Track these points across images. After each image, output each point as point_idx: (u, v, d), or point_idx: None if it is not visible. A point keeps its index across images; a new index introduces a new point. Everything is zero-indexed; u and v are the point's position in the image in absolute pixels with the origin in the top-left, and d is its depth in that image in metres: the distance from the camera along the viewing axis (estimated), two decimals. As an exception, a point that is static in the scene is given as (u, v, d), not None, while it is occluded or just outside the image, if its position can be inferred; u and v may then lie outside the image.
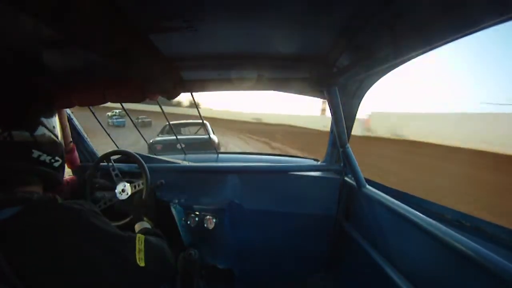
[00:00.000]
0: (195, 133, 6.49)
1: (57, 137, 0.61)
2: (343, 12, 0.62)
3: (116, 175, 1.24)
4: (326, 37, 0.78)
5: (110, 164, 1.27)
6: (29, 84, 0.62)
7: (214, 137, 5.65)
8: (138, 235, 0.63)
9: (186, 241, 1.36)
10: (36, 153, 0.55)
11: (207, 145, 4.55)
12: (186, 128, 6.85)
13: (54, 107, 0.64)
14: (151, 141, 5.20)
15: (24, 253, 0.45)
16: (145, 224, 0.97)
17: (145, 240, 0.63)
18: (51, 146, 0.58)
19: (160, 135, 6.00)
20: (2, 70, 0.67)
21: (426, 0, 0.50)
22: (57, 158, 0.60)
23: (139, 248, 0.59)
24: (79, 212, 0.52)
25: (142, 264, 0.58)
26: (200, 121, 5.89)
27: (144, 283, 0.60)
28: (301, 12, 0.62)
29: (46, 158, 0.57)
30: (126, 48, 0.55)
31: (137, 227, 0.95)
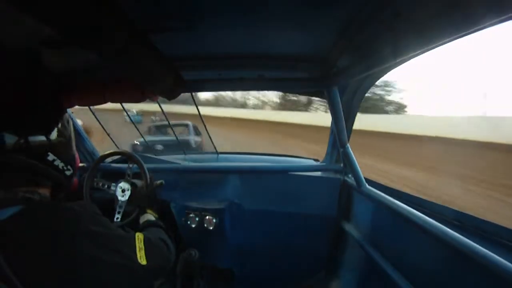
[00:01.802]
0: (179, 134, 6.74)
1: (72, 147, 0.61)
2: (343, 12, 0.62)
3: (128, 174, 1.24)
4: (326, 37, 0.78)
5: (129, 164, 1.26)
6: (37, 86, 0.61)
7: (197, 138, 6.13)
8: (137, 233, 0.63)
9: (186, 241, 1.36)
10: (51, 156, 0.54)
11: (187, 146, 5.13)
12: (175, 129, 6.95)
13: (64, 107, 0.63)
14: (136, 142, 5.41)
15: (24, 254, 0.45)
16: (149, 216, 0.99)
17: (144, 238, 0.63)
18: (66, 154, 0.58)
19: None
20: (7, 74, 0.66)
21: (426, 0, 0.50)
22: (69, 167, 0.59)
23: (139, 247, 0.59)
24: (79, 213, 0.52)
25: (144, 262, 0.58)
26: (185, 122, 6.57)
27: (147, 280, 0.60)
28: (301, 12, 0.62)
29: (59, 164, 0.56)
30: (126, 48, 0.55)
31: (142, 219, 0.98)
